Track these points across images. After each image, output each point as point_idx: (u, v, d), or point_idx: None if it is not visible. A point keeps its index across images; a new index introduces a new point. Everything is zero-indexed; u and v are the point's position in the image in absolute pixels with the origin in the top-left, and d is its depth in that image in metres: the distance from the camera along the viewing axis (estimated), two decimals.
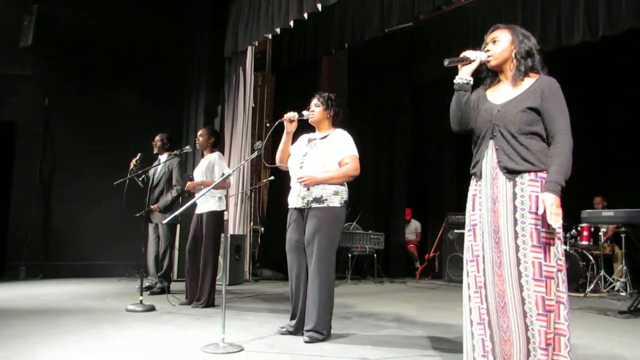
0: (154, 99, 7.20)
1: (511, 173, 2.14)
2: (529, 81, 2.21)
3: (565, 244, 6.40)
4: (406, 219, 8.76)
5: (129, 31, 7.06)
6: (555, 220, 2.02)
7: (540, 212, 2.05)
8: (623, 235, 6.05)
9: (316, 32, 7.33)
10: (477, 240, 2.23)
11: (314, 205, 3.17)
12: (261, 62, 8.20)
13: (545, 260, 2.05)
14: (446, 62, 2.29)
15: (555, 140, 2.11)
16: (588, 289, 5.98)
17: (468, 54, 2.27)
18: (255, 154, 3.36)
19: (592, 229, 6.46)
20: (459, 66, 2.30)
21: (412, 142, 8.93)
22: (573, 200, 6.64)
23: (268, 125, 8.39)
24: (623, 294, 5.91)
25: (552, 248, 2.06)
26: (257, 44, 7.08)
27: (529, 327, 2.04)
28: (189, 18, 7.66)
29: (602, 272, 6.18)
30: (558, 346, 2.04)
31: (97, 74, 6.95)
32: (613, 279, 6.20)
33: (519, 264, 2.07)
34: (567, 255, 6.17)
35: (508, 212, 2.12)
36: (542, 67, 2.24)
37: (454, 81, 2.29)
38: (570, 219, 6.32)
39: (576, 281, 6.07)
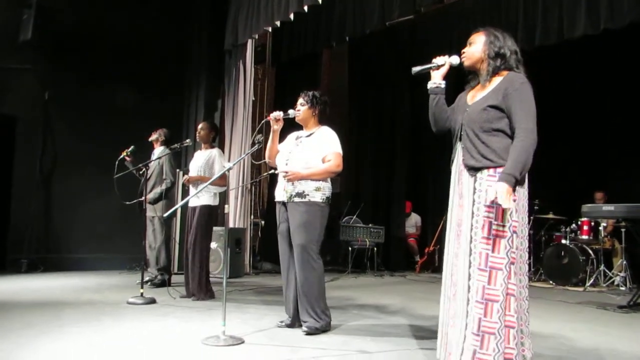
0: (154, 93, 7.18)
1: (472, 170, 2.23)
2: (497, 80, 2.28)
3: (566, 238, 6.41)
4: (406, 213, 8.76)
5: (129, 24, 7.02)
6: (506, 201, 2.06)
7: (490, 199, 2.11)
8: (623, 230, 6.05)
9: (317, 25, 7.30)
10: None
11: (296, 199, 3.24)
12: (261, 55, 8.15)
13: (494, 252, 2.12)
14: (414, 71, 2.47)
15: (516, 136, 2.16)
16: (588, 284, 5.99)
17: (436, 60, 2.45)
18: (256, 147, 3.39)
19: (593, 224, 6.46)
20: (431, 72, 2.46)
21: (413, 135, 8.90)
22: (574, 194, 6.67)
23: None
24: (622, 288, 5.92)
25: (502, 240, 2.12)
26: (257, 37, 7.05)
27: (469, 313, 2.13)
28: (188, 11, 7.63)
29: (602, 267, 6.19)
30: (507, 338, 2.10)
31: (97, 67, 6.92)
32: (613, 274, 6.21)
33: (470, 254, 2.17)
34: (567, 249, 6.18)
35: (468, 205, 2.22)
36: (517, 66, 2.29)
37: (427, 86, 2.48)
38: (571, 213, 6.33)
39: (576, 275, 6.08)
